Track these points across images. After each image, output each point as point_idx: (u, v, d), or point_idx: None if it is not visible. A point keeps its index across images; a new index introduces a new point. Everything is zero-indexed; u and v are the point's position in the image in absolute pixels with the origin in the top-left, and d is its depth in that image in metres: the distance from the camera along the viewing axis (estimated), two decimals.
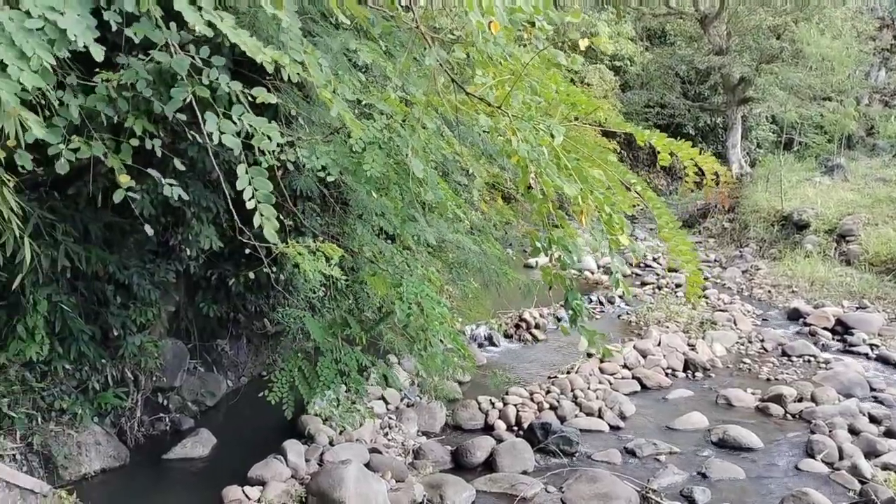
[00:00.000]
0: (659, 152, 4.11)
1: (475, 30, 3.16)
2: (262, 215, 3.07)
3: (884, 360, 11.04)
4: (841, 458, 7.73)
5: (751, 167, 23.90)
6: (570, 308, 3.69)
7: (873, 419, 8.75)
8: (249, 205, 3.08)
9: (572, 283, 3.67)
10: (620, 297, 14.76)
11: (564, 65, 3.59)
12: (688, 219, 22.07)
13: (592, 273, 16.70)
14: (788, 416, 9.00)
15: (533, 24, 3.50)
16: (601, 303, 14.33)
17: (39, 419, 6.35)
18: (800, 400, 9.30)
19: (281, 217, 4.52)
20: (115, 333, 6.79)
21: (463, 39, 3.51)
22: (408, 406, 8.81)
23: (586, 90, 21.47)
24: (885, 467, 7.49)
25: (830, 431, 8.26)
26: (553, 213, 3.52)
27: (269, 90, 3.20)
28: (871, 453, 7.79)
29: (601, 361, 10.52)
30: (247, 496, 6.22)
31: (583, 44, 3.70)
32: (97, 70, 3.50)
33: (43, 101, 3.27)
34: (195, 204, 6.52)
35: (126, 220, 6.57)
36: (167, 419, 7.86)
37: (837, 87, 22.64)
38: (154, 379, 7.56)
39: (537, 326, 12.35)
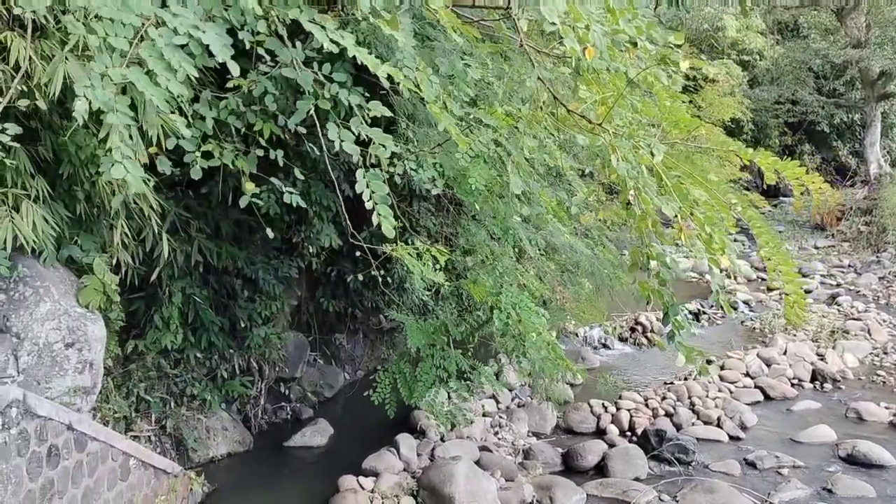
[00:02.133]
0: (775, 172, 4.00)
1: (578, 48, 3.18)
2: (379, 214, 3.22)
3: None
4: None
5: (891, 167, 22.37)
6: (669, 322, 3.60)
7: None
8: (368, 205, 3.24)
9: (672, 298, 3.59)
10: (745, 302, 14.22)
11: (665, 84, 3.53)
12: (819, 221, 20.95)
13: (739, 276, 16.09)
14: None
15: (636, 45, 3.47)
16: (722, 308, 13.81)
17: (172, 404, 6.82)
18: None
19: (399, 217, 4.68)
20: (242, 325, 7.20)
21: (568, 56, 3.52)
22: (518, 406, 8.84)
23: (711, 87, 20.77)
24: None
25: None
26: (652, 229, 3.47)
27: (385, 102, 3.36)
28: None
29: (721, 369, 10.18)
30: (361, 486, 6.44)
31: (684, 65, 3.60)
32: (228, 86, 3.77)
33: (180, 114, 3.56)
34: (317, 203, 6.81)
35: (253, 219, 6.95)
36: (288, 408, 8.25)
37: None
38: (277, 369, 7.96)
39: (653, 330, 12.08)
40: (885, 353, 11.18)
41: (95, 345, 4.88)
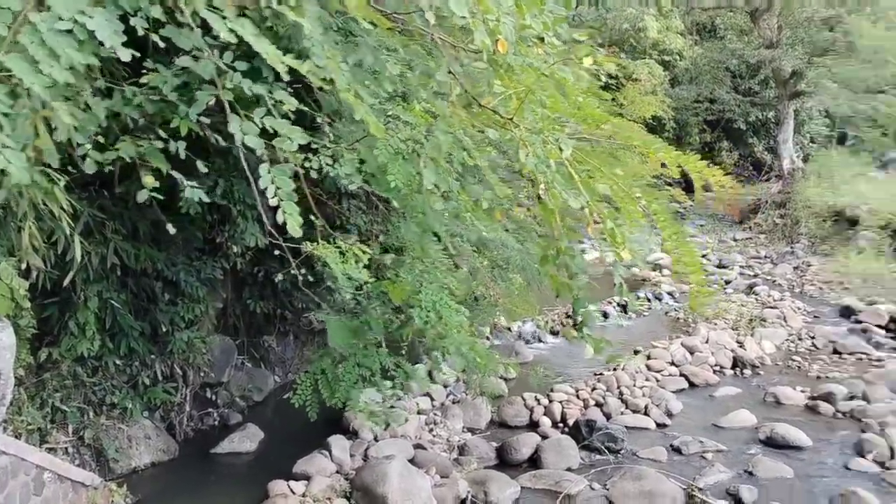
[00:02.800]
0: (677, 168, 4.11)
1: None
2: (284, 212, 3.13)
3: None
4: (892, 457, 7.54)
5: (803, 162, 23.33)
6: (576, 316, 3.67)
7: None
8: (273, 202, 3.14)
9: (579, 292, 3.65)
10: (669, 293, 14.61)
11: (571, 79, 3.58)
12: (726, 213, 21.72)
13: (640, 269, 16.52)
14: (839, 415, 8.80)
15: (542, 40, 3.51)
16: (649, 299, 14.18)
17: (91, 413, 6.55)
18: (851, 398, 9.08)
19: (317, 215, 4.60)
20: (164, 329, 6.98)
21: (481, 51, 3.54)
22: (453, 403, 8.86)
23: (634, 85, 21.26)
24: None
25: (882, 430, 8.03)
26: (560, 224, 3.52)
27: (304, 99, 3.29)
28: None
29: (648, 358, 10.43)
30: (292, 491, 6.33)
31: (587, 61, 3.67)
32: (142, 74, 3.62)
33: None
34: (240, 202, 6.65)
35: (172, 219, 6.73)
36: (215, 414, 8.05)
37: (892, 79, 21.95)
38: (202, 374, 7.76)
39: (584, 324, 12.25)
40: (800, 339, 11.66)
41: (4, 353, 4.65)
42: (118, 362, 6.68)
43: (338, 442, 7.15)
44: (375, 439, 7.51)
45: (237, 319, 8.46)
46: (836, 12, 20.69)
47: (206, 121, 3.70)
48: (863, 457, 7.59)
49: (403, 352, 6.77)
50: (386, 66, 3.63)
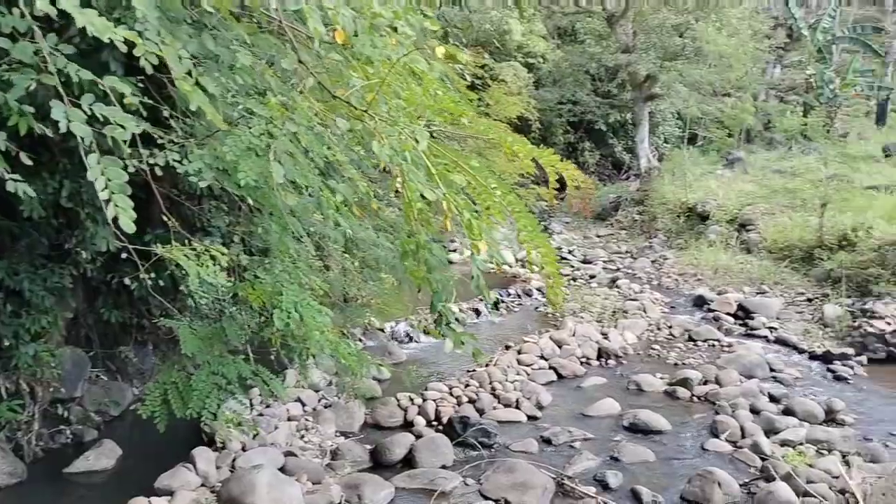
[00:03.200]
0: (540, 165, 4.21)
1: (350, 32, 3.14)
2: (116, 206, 2.91)
3: (782, 342, 11.59)
4: (743, 436, 8.07)
5: (658, 161, 24.64)
6: (435, 312, 3.67)
7: (773, 398, 9.18)
8: (103, 195, 2.92)
9: (439, 286, 3.66)
10: (538, 289, 14.99)
11: (424, 70, 3.58)
12: (601, 212, 22.61)
13: (511, 266, 16.89)
14: (695, 399, 9.34)
15: (395, 30, 3.49)
16: (519, 296, 14.50)
17: None
18: (705, 383, 9.66)
19: (168, 216, 4.37)
20: (7, 343, 6.44)
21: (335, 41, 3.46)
22: (325, 407, 8.69)
23: (500, 86, 21.68)
24: (784, 444, 7.86)
25: (733, 412, 8.60)
26: (419, 217, 3.51)
27: (151, 92, 3.09)
28: (770, 431, 8.15)
29: (519, 353, 10.66)
30: None
31: (440, 51, 3.69)
32: None
33: None
34: (89, 204, 6.23)
35: (14, 223, 6.23)
36: (68, 431, 7.50)
37: (736, 83, 23.62)
38: (52, 390, 7.20)
39: (457, 321, 12.35)
40: (659, 329, 12.29)
41: None
42: None
43: (202, 454, 6.83)
44: (243, 449, 7.23)
45: (90, 330, 7.92)
46: (684, 19, 22.00)
47: (31, 109, 3.40)
48: (717, 437, 8.09)
49: (272, 357, 6.58)
50: (237, 58, 3.47)
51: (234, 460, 6.94)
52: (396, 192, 3.49)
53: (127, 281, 5.67)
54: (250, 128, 3.38)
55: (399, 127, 3.43)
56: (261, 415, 7.77)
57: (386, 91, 3.49)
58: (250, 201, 4.82)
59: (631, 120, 26.66)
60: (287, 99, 3.50)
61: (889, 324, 10.82)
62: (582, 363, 10.69)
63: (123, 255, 4.36)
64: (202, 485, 6.48)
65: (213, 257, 4.02)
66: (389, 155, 3.28)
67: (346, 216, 4.77)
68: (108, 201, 2.91)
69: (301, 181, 3.71)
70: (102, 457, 7.09)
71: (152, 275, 4.44)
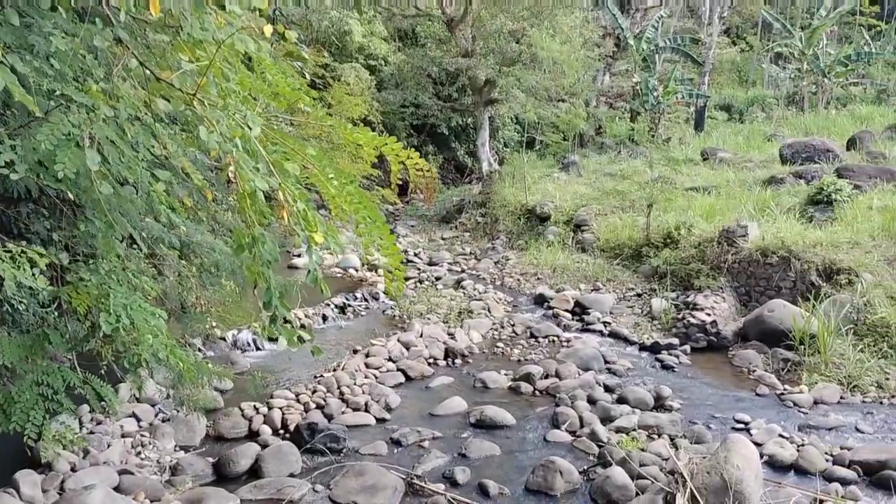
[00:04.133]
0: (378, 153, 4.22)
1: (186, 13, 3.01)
2: None
3: (615, 335, 12.33)
4: (582, 426, 8.50)
5: (499, 165, 25.44)
6: (270, 306, 3.58)
7: (608, 388, 9.74)
8: None
9: (269, 283, 3.58)
10: (385, 293, 15.03)
11: (251, 51, 3.49)
12: (445, 215, 23.02)
13: (357, 270, 16.85)
14: (537, 393, 9.73)
15: (223, 8, 3.39)
16: (366, 299, 14.48)
17: None
18: (546, 377, 10.10)
19: None
20: None
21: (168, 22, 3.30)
22: (163, 421, 8.27)
23: (342, 86, 21.56)
24: (619, 430, 8.36)
25: (572, 403, 9.05)
26: (252, 210, 3.42)
27: None
28: (606, 419, 8.65)
29: (367, 356, 10.64)
30: None
31: (267, 30, 3.63)
32: None
33: None
34: None
35: None
36: None
37: (569, 89, 24.84)
38: None
39: (303, 327, 12.19)
40: (502, 328, 12.69)
41: None
42: None
43: (27, 477, 6.27)
44: (73, 470, 6.72)
45: None
46: (520, 26, 22.87)
47: None
48: (558, 428, 8.47)
49: (103, 371, 6.15)
50: (52, 42, 3.21)
51: (62, 482, 6.43)
52: (229, 181, 3.33)
53: None
54: (68, 116, 3.13)
55: (230, 111, 3.31)
56: (91, 433, 7.27)
57: (217, 73, 3.35)
58: (73, 199, 4.47)
59: (472, 124, 27.36)
60: (109, 87, 3.28)
61: (708, 315, 11.79)
62: (429, 364, 10.83)
63: None
64: None
65: (31, 260, 3.70)
66: (219, 142, 3.15)
67: (180, 215, 4.54)
68: None
69: (127, 174, 3.49)
70: None
71: None
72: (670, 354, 11.13)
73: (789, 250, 12.25)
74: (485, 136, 25.12)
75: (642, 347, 11.72)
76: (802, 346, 10.42)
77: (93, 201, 4.24)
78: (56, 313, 5.25)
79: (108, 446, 7.24)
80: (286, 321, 3.58)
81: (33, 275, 3.69)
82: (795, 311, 10.93)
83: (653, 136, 24.42)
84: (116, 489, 6.30)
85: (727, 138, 23.99)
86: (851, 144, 19.11)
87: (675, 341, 11.55)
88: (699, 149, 22.24)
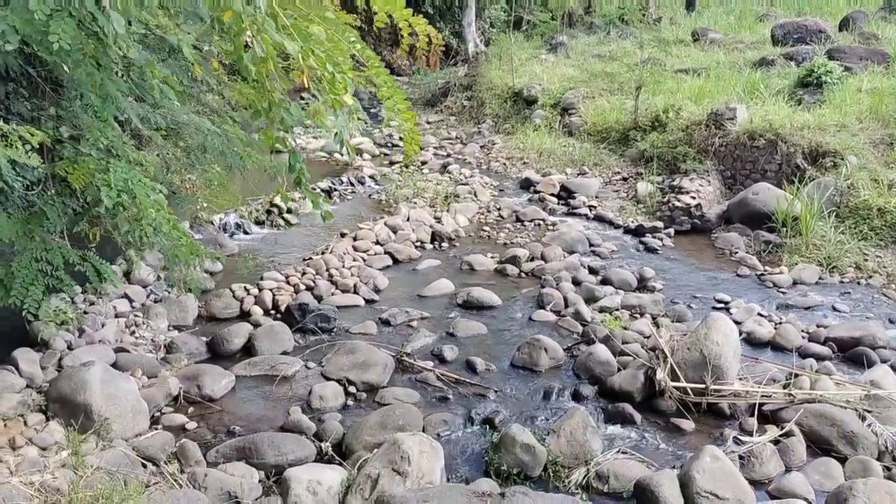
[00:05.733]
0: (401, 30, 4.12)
1: None
2: None
3: (600, 219, 12.44)
4: (566, 306, 8.72)
5: (485, 46, 24.78)
6: (293, 170, 3.60)
7: (592, 270, 9.92)
8: None
9: (294, 147, 3.57)
10: (371, 177, 14.97)
11: None
12: (430, 98, 22.57)
13: (342, 155, 16.67)
14: (523, 275, 9.91)
15: None
16: (352, 184, 14.42)
17: None
18: (532, 259, 10.25)
19: None
20: None
21: None
22: (155, 302, 8.38)
23: None
24: (602, 310, 8.60)
25: (557, 284, 9.23)
26: (274, 71, 3.35)
27: None
28: (590, 299, 8.87)
29: (354, 239, 10.72)
30: None
31: None
32: None
33: None
34: None
35: None
36: None
37: None
38: None
39: (289, 211, 12.19)
40: (489, 212, 12.75)
41: None
42: None
43: (25, 355, 6.41)
44: (70, 348, 6.86)
45: None
46: None
47: None
48: (543, 308, 8.68)
49: (92, 251, 6.17)
50: None
51: (60, 359, 6.59)
52: (247, 46, 3.22)
53: None
54: None
55: None
56: (85, 313, 7.37)
57: None
58: (55, 79, 4.34)
59: (458, 2, 26.43)
60: None
61: (693, 198, 11.88)
62: (416, 247, 10.94)
63: None
64: (27, 386, 6.11)
65: (22, 139, 3.64)
66: (241, 3, 3.03)
67: (171, 91, 4.44)
68: None
69: (127, 51, 3.38)
70: None
71: None
72: (654, 237, 11.29)
73: (776, 133, 12.23)
74: (471, 15, 24.33)
75: (627, 231, 11.86)
76: (785, 229, 10.60)
77: (83, 81, 4.12)
78: (52, 191, 5.21)
79: (103, 326, 7.36)
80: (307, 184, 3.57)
81: (26, 152, 3.63)
82: (779, 194, 11.04)
83: (643, 15, 23.75)
84: (114, 366, 6.46)
85: (718, 18, 23.36)
86: (844, 25, 18.71)
87: (660, 224, 11.69)
88: (690, 29, 21.70)
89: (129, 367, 6.61)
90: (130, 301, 8.18)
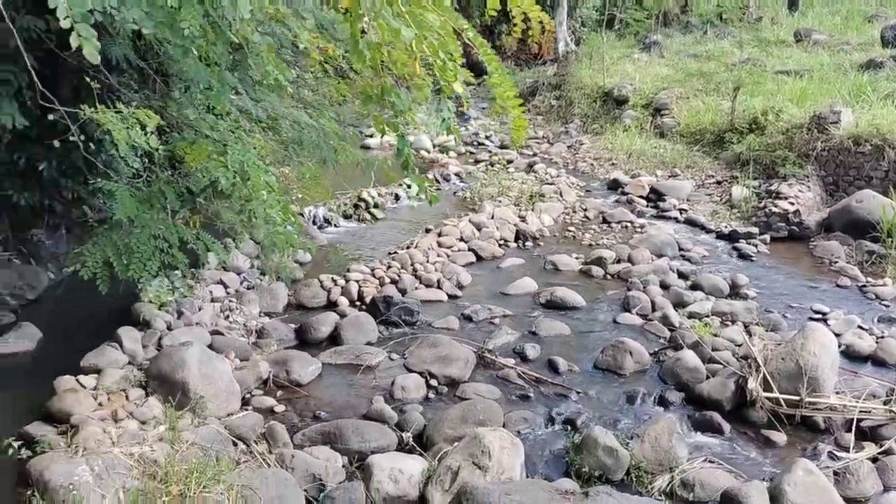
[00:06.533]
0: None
1: None
2: (80, 35, 2.72)
3: (691, 223, 12.14)
4: (653, 310, 8.55)
5: (576, 45, 24.51)
6: (400, 155, 3.66)
7: (681, 275, 9.70)
8: (65, 24, 2.71)
9: (404, 132, 3.64)
10: (456, 174, 15.07)
11: None
12: (518, 97, 22.46)
13: (428, 152, 16.84)
14: (608, 277, 9.78)
15: None
16: (437, 181, 14.54)
17: None
18: (618, 261, 10.10)
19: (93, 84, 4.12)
20: None
21: None
22: (248, 289, 8.68)
23: None
24: (691, 315, 8.39)
25: (644, 288, 9.07)
26: (388, 58, 3.42)
27: None
28: (679, 304, 8.67)
29: (439, 235, 10.81)
30: (82, 385, 5.94)
31: None
32: None
33: None
34: None
35: None
36: None
37: None
38: None
39: (376, 206, 12.41)
40: (574, 212, 12.63)
41: None
42: None
43: (128, 333, 6.76)
44: (169, 329, 7.20)
45: None
46: None
47: None
48: (629, 312, 8.54)
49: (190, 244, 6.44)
50: None
51: (160, 339, 6.92)
52: (363, 32, 3.30)
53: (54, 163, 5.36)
54: None
55: None
56: (184, 296, 7.70)
57: None
58: (163, 70, 4.57)
59: (549, 2, 26.23)
60: None
61: (792, 204, 11.46)
62: (500, 245, 10.94)
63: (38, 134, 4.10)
64: (129, 363, 6.46)
65: (140, 122, 3.84)
66: None
67: (286, 77, 4.58)
68: (70, 30, 2.70)
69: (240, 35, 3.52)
70: (22, 339, 6.92)
71: (82, 138, 4.17)
72: (748, 243, 10.94)
73: (884, 138, 11.65)
74: (562, 14, 24.07)
75: (719, 235, 11.54)
76: (890, 239, 10.09)
77: (203, 69, 4.28)
78: (169, 171, 5.48)
79: (200, 309, 7.69)
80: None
81: (145, 134, 3.84)
82: (885, 202, 10.52)
83: (743, 14, 22.99)
84: (209, 348, 6.73)
85: (823, 18, 22.39)
86: None
87: (755, 230, 11.32)
88: (792, 29, 20.89)
89: (223, 350, 6.86)
90: (225, 287, 8.50)
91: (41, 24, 5.94)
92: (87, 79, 5.21)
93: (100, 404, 5.76)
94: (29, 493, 4.61)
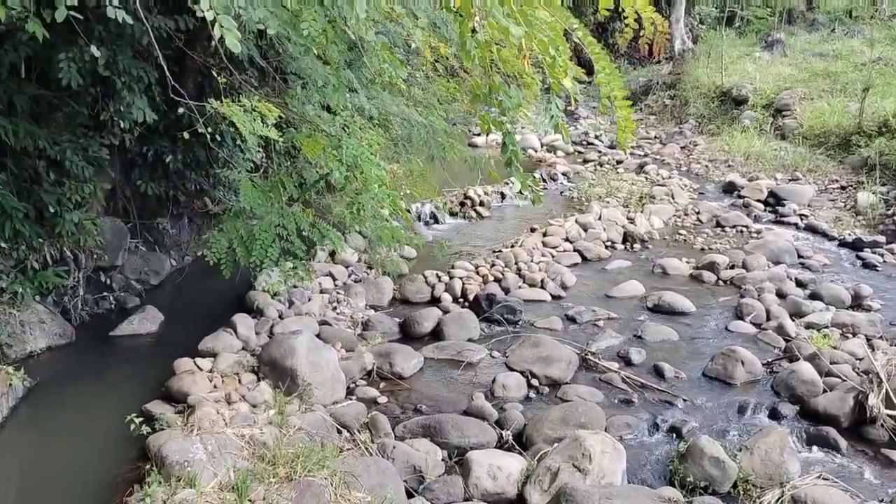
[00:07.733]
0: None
1: None
2: (221, 27, 2.88)
3: (812, 229, 11.56)
4: (768, 319, 8.19)
5: (693, 43, 23.76)
6: (505, 152, 3.66)
7: (800, 283, 9.23)
8: (209, 15, 2.87)
9: (509, 130, 3.64)
10: (563, 174, 14.93)
11: None
12: (629, 96, 22.01)
13: (536, 151, 16.76)
14: (720, 283, 9.43)
15: None
16: (544, 180, 14.45)
17: None
18: (731, 267, 9.72)
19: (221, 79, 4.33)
20: (52, 210, 6.58)
21: None
22: (355, 282, 8.91)
23: None
24: (809, 326, 7.98)
25: (759, 295, 8.69)
26: (497, 56, 3.43)
27: None
28: (796, 314, 8.26)
29: (544, 235, 10.74)
30: (199, 367, 6.29)
31: None
32: None
33: None
34: (125, 73, 6.20)
35: (53, 93, 6.25)
36: (111, 298, 7.80)
37: None
38: (94, 258, 7.44)
39: (482, 204, 12.45)
40: (686, 215, 12.27)
41: None
42: (3, 245, 6.28)
43: (242, 320, 7.10)
44: (280, 317, 7.51)
45: (127, 202, 8.07)
46: None
47: None
48: (741, 319, 8.22)
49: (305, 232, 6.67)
50: None
51: (271, 327, 7.22)
52: (473, 31, 3.34)
53: (179, 156, 5.70)
54: None
55: None
56: (294, 287, 7.99)
57: None
58: (282, 68, 4.76)
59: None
60: None
61: None
62: (607, 247, 10.76)
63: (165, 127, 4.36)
64: (243, 348, 6.78)
65: (261, 114, 4.03)
66: None
67: (400, 73, 4.67)
68: (213, 22, 2.87)
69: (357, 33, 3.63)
70: (146, 321, 7.40)
71: (209, 130, 4.39)
72: (874, 252, 10.30)
73: None
74: (680, 11, 23.37)
75: (842, 243, 10.92)
76: None
77: (321, 67, 4.42)
78: (288, 162, 5.71)
79: (309, 300, 7.97)
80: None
81: (265, 126, 4.02)
82: None
83: (875, 11, 21.62)
84: (317, 337, 6.95)
85: None
86: None
87: (882, 239, 10.65)
88: None
89: (330, 340, 7.07)
90: (334, 279, 8.76)
91: (171, 23, 6.31)
92: (214, 75, 5.48)
93: (215, 386, 6.06)
94: (147, 466, 4.91)
